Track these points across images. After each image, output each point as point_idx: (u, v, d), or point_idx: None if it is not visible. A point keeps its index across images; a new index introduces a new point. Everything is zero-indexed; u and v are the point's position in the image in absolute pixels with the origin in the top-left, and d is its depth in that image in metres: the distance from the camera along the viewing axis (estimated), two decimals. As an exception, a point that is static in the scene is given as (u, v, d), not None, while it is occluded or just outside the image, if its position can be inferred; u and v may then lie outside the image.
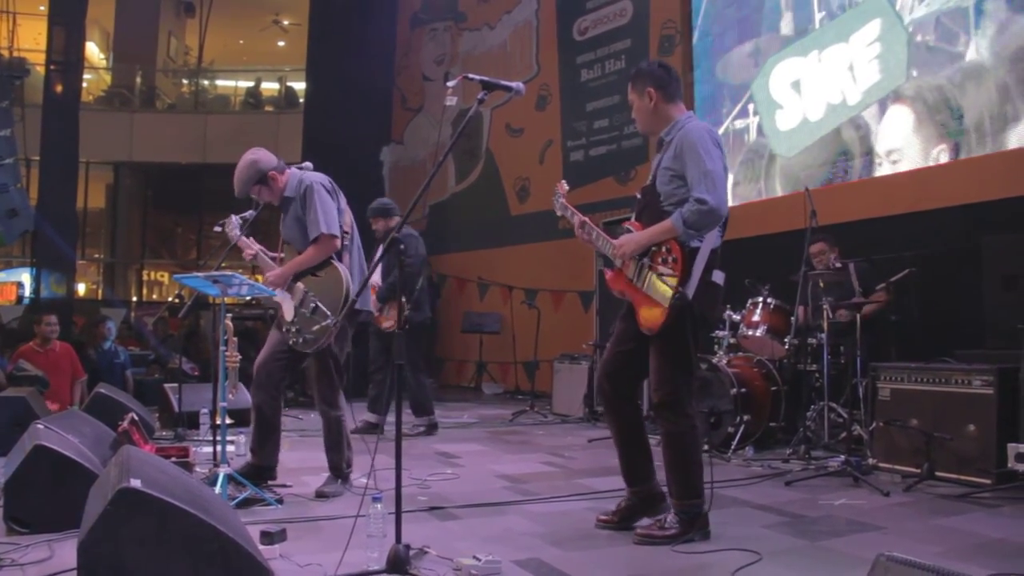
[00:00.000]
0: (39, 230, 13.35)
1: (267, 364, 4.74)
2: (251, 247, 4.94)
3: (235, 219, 4.91)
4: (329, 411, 4.79)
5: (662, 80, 3.96)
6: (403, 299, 7.03)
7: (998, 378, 4.94)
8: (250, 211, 4.87)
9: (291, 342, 4.67)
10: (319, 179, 4.79)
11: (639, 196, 4.10)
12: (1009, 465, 4.66)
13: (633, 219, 4.04)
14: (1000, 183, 6.32)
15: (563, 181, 4.35)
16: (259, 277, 4.81)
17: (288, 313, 4.71)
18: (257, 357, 4.86)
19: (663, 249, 3.77)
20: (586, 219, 4.14)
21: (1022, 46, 6.29)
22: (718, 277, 3.83)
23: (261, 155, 4.80)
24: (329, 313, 4.53)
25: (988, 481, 4.83)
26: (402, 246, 3.40)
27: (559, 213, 4.30)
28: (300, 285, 4.71)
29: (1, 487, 3.99)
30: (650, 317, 3.79)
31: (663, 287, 3.71)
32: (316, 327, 4.57)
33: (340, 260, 4.71)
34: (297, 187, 4.77)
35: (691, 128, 3.86)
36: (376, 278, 7.33)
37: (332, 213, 4.70)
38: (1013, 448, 4.65)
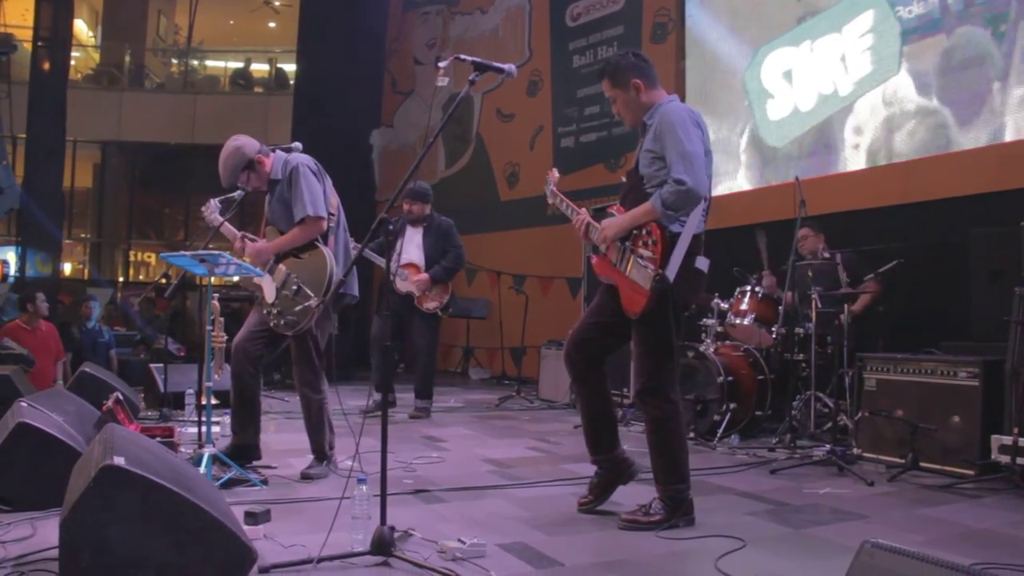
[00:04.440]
0: (25, 208, 13.24)
1: (244, 342, 4.72)
2: (235, 234, 4.90)
3: (214, 203, 4.86)
4: (310, 394, 4.76)
5: (643, 69, 3.93)
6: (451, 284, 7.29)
7: (983, 370, 4.96)
8: (237, 192, 4.81)
9: (272, 324, 4.65)
10: (305, 160, 4.75)
11: (624, 180, 4.08)
12: (993, 456, 4.70)
13: (618, 203, 4.03)
14: (989, 177, 6.34)
15: (555, 169, 4.33)
16: (246, 258, 4.78)
17: (269, 295, 4.68)
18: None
19: (644, 232, 3.75)
20: (584, 214, 4.10)
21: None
22: (702, 263, 3.83)
23: (244, 141, 4.75)
24: (312, 294, 4.51)
25: (972, 472, 4.86)
26: (390, 227, 3.38)
27: (550, 201, 4.29)
28: (282, 267, 4.68)
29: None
30: (632, 301, 3.78)
31: (644, 270, 3.70)
32: (298, 308, 4.55)
33: (325, 242, 4.68)
34: (283, 169, 4.74)
35: (671, 109, 3.83)
36: (417, 258, 7.37)
37: (318, 195, 4.67)
38: (997, 440, 4.68)
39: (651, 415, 3.85)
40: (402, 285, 7.32)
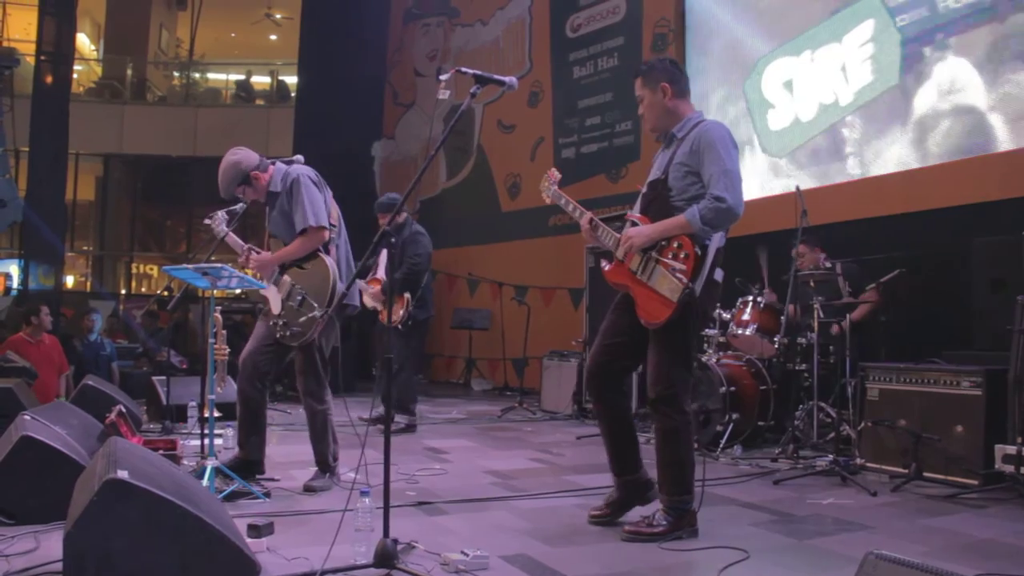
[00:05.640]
0: (27, 221, 13.27)
1: (253, 356, 4.73)
2: (240, 245, 4.92)
3: (221, 214, 4.88)
4: (315, 405, 4.77)
5: (675, 76, 4.01)
6: (408, 295, 7.11)
7: (986, 379, 4.96)
8: (239, 204, 4.84)
9: (278, 335, 4.65)
10: (305, 172, 4.78)
11: (645, 190, 4.07)
12: (996, 466, 4.69)
13: (637, 212, 4.02)
14: (990, 186, 6.34)
15: (554, 169, 4.34)
16: (248, 271, 4.80)
17: (275, 307, 4.69)
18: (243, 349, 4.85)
19: (674, 244, 3.76)
20: (593, 215, 4.13)
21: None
22: (719, 275, 3.88)
23: (242, 155, 4.79)
24: (316, 305, 4.52)
25: (975, 482, 4.85)
26: (393, 239, 3.39)
27: (550, 201, 4.29)
28: (287, 278, 4.70)
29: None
30: (654, 311, 3.78)
31: (672, 281, 3.70)
32: (303, 319, 4.56)
33: (327, 253, 4.70)
34: (283, 181, 4.76)
35: (711, 126, 3.90)
36: (380, 273, 7.34)
37: (319, 205, 4.69)
38: (1000, 449, 4.67)
39: (663, 424, 3.84)
40: (366, 300, 7.25)
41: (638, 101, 4.09)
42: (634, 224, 3.96)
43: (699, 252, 3.71)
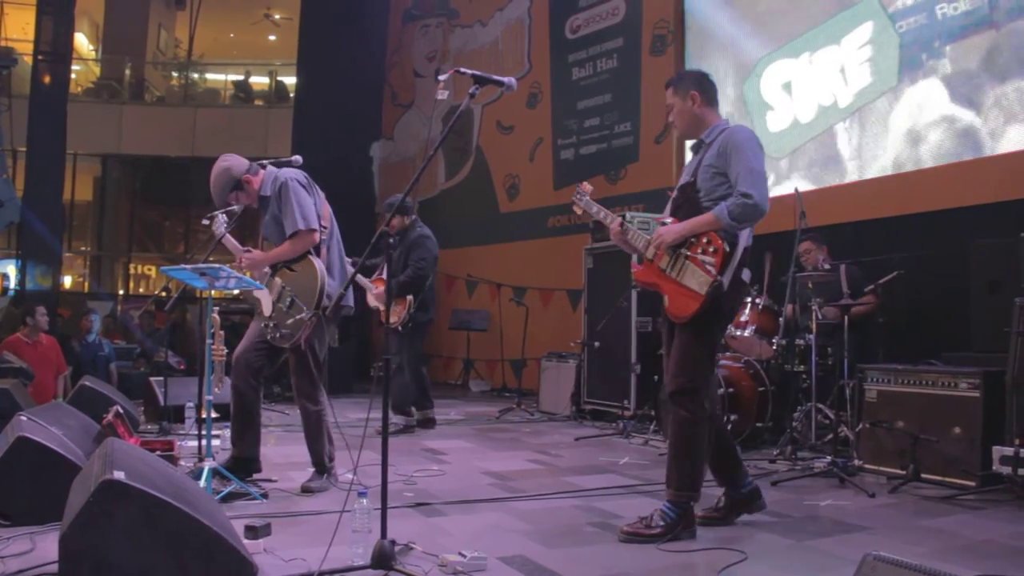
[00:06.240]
0: (25, 222, 13.25)
1: (246, 353, 4.75)
2: (238, 248, 4.93)
3: (222, 216, 4.90)
4: (308, 405, 4.77)
5: (704, 85, 4.13)
6: (410, 297, 7.07)
7: (984, 381, 4.96)
8: (236, 205, 4.86)
9: (268, 337, 4.68)
10: (294, 175, 4.79)
11: (675, 193, 4.18)
12: (994, 468, 4.69)
13: (667, 214, 4.10)
14: (989, 188, 6.34)
15: (585, 182, 4.46)
16: (249, 273, 4.80)
17: (266, 309, 4.72)
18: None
19: (703, 240, 3.84)
20: (618, 218, 4.22)
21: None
22: (745, 275, 3.96)
23: (232, 161, 4.82)
24: (305, 307, 4.53)
25: (973, 483, 4.86)
26: (392, 239, 3.38)
27: (581, 212, 4.39)
28: (277, 280, 4.71)
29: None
30: (682, 305, 3.86)
31: (701, 275, 3.78)
32: (291, 321, 4.57)
33: (317, 254, 4.71)
34: (272, 185, 4.77)
35: (739, 129, 4.01)
36: (385, 273, 7.32)
37: (309, 208, 4.70)
38: (998, 451, 4.67)
39: (681, 417, 3.87)
40: (370, 300, 7.23)
41: (667, 110, 4.21)
42: (665, 225, 4.04)
43: (728, 248, 3.79)
